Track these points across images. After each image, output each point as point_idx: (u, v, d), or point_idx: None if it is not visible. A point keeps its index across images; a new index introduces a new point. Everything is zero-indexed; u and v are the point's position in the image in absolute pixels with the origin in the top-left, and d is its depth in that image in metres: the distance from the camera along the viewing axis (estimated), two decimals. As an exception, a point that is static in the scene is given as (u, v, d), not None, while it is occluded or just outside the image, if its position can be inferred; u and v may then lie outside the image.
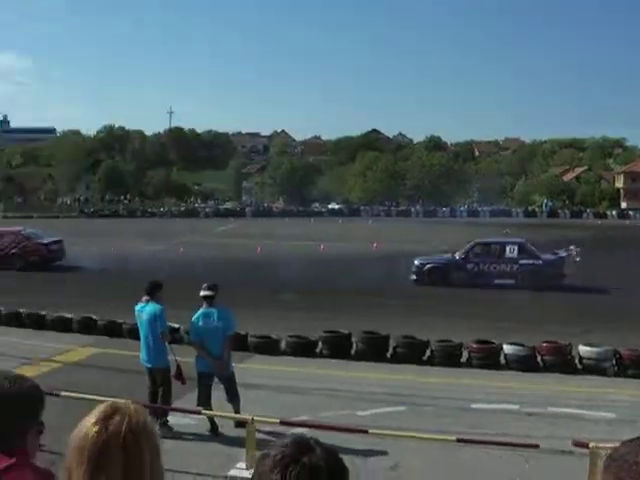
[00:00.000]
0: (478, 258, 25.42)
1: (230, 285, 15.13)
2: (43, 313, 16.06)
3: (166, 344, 9.54)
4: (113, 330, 15.11)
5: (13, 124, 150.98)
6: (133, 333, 12.29)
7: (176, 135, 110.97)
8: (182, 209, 78.22)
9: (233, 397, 9.32)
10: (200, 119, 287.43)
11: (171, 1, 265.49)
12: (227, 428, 9.22)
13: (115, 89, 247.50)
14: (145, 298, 9.53)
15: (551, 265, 24.74)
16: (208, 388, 9.32)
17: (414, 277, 25.32)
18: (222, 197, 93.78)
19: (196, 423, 9.21)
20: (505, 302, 20.91)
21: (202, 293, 9.44)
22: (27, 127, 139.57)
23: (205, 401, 9.16)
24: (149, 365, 9.47)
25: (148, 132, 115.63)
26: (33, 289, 21.78)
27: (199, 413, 8.87)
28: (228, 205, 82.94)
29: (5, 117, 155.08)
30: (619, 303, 20.18)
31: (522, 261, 24.82)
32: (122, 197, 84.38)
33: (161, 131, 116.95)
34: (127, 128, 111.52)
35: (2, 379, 2.09)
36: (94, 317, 15.60)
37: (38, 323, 15.87)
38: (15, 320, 16.10)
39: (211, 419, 9.12)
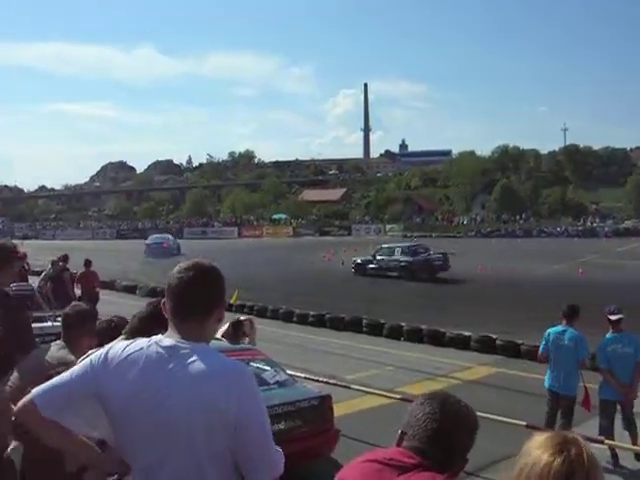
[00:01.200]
0: (380, 257, 34.55)
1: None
2: (442, 330, 16.42)
3: (580, 372, 9.07)
4: (512, 350, 14.89)
5: (411, 148, 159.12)
6: (532, 354, 11.97)
7: (571, 152, 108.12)
8: (579, 228, 75.84)
9: (630, 425, 8.62)
10: (596, 135, 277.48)
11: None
12: (628, 460, 8.53)
13: (508, 108, 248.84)
14: (564, 322, 9.17)
15: (421, 262, 32.74)
16: (611, 417, 8.69)
17: (352, 270, 34.96)
18: (621, 216, 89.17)
19: (596, 453, 8.62)
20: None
21: (610, 317, 8.84)
22: (424, 150, 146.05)
23: (607, 430, 8.56)
24: (557, 391, 9.06)
25: (543, 150, 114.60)
26: (426, 304, 22.40)
27: (602, 442, 8.27)
28: (628, 224, 78.65)
29: (403, 141, 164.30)
30: None
31: (402, 259, 33.30)
32: (518, 216, 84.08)
33: (556, 149, 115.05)
34: (521, 147, 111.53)
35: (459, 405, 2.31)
36: (493, 336, 15.53)
37: (437, 340, 16.26)
38: (416, 336, 16.67)
39: (612, 450, 8.48)
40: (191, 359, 2.40)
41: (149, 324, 3.26)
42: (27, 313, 5.28)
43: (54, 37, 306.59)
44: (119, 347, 2.49)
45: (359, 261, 35.38)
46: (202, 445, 2.34)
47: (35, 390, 2.48)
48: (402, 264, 32.93)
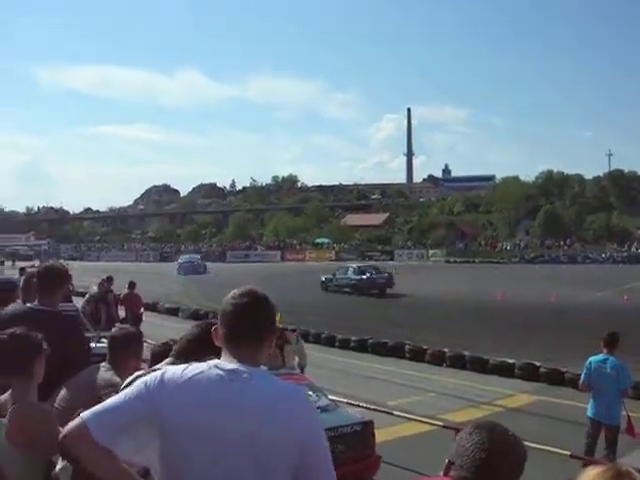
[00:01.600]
0: (338, 275, 41.21)
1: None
2: (485, 357, 16.29)
3: (622, 400, 8.95)
4: (555, 378, 14.72)
5: (454, 173, 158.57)
6: (575, 382, 11.83)
7: (616, 177, 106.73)
8: (624, 254, 74.78)
9: None
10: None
11: None
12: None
13: (552, 134, 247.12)
14: (604, 350, 9.06)
15: (366, 281, 38.68)
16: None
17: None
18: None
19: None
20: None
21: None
22: (467, 175, 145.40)
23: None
24: (600, 420, 8.94)
25: (587, 176, 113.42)
26: (471, 330, 22.23)
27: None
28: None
29: (447, 166, 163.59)
30: None
31: (352, 277, 39.74)
32: (562, 242, 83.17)
33: (601, 174, 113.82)
34: (566, 172, 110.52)
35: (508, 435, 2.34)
36: (537, 364, 15.37)
37: (480, 366, 16.13)
38: (459, 362, 16.57)
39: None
40: (253, 382, 2.43)
41: (197, 346, 3.29)
42: (82, 333, 5.34)
43: (99, 60, 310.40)
44: (176, 369, 2.49)
45: (323, 279, 42.20)
46: (267, 467, 2.35)
47: (86, 413, 2.42)
48: (352, 282, 39.46)
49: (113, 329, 10.74)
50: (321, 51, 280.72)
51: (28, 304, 4.99)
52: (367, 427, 7.61)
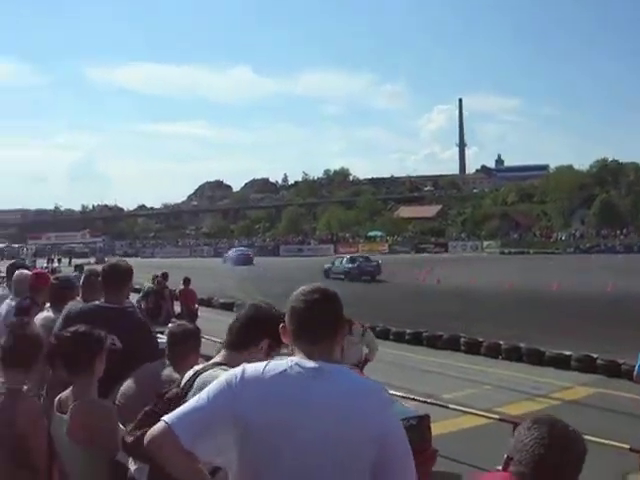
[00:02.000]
0: (337, 264, 47.35)
1: None
2: (542, 349, 16.13)
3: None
4: (613, 370, 14.52)
5: (507, 163, 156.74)
6: (632, 374, 11.67)
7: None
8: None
9: None
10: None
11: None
12: None
13: (606, 121, 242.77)
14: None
15: (357, 268, 45.36)
16: None
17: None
18: None
19: None
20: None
21: None
22: (520, 165, 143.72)
23: None
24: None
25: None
26: (525, 320, 21.99)
27: None
28: None
29: (499, 157, 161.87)
30: None
31: (345, 266, 46.30)
32: (618, 232, 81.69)
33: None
34: (621, 161, 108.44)
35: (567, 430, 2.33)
36: (594, 355, 15.18)
37: (536, 358, 15.98)
38: (514, 354, 16.43)
39: None
40: (335, 378, 2.45)
41: (246, 336, 3.30)
42: (149, 329, 5.40)
43: (149, 59, 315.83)
44: (257, 368, 2.49)
45: (325, 267, 47.75)
46: (345, 464, 2.38)
47: (170, 417, 2.41)
48: (345, 269, 45.64)
49: (170, 325, 10.91)
50: (369, 44, 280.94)
51: (96, 302, 5.04)
52: (423, 421, 7.60)
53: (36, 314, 6.07)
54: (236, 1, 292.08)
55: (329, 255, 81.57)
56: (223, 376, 2.56)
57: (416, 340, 18.95)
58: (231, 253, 70.60)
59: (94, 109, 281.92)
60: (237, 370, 2.52)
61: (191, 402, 2.50)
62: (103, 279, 5.05)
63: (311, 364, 2.46)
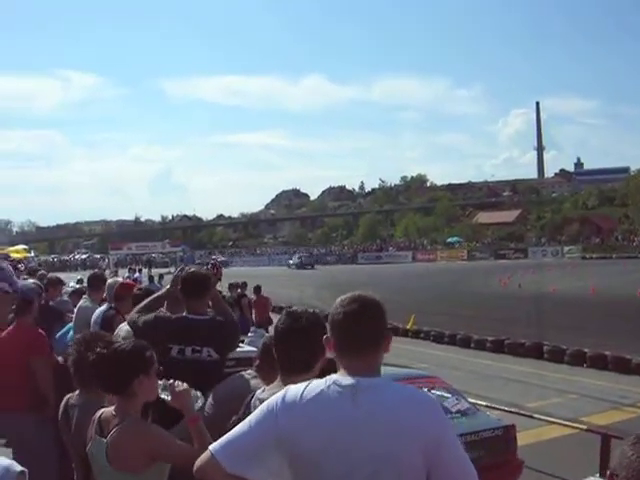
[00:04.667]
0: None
1: None
2: (628, 357, 15.71)
3: None
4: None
5: (587, 166, 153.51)
6: None
7: None
8: None
9: None
10: None
11: None
12: None
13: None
14: None
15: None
16: None
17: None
18: None
19: None
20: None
21: None
22: (601, 168, 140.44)
23: None
24: None
25: None
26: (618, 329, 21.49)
27: None
28: None
29: (579, 160, 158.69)
30: None
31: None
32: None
33: None
34: None
35: None
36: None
37: (623, 367, 15.56)
38: (600, 362, 16.03)
39: None
40: (375, 394, 2.41)
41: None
42: (238, 338, 5.47)
43: (226, 71, 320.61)
44: (297, 390, 2.47)
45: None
46: (407, 475, 2.35)
47: (214, 446, 2.48)
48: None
49: (249, 334, 10.99)
50: (443, 49, 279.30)
51: (184, 313, 5.02)
52: (509, 431, 7.47)
53: (119, 324, 6.20)
54: (310, 11, 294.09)
55: (407, 262, 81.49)
56: (267, 401, 2.56)
57: (498, 348, 18.66)
58: (294, 259, 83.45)
59: (173, 121, 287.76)
60: (280, 394, 2.51)
61: (235, 429, 2.51)
62: (183, 288, 5.01)
63: (349, 381, 2.42)
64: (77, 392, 4.30)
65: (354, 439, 2.36)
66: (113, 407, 3.56)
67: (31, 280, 9.67)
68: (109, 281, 8.44)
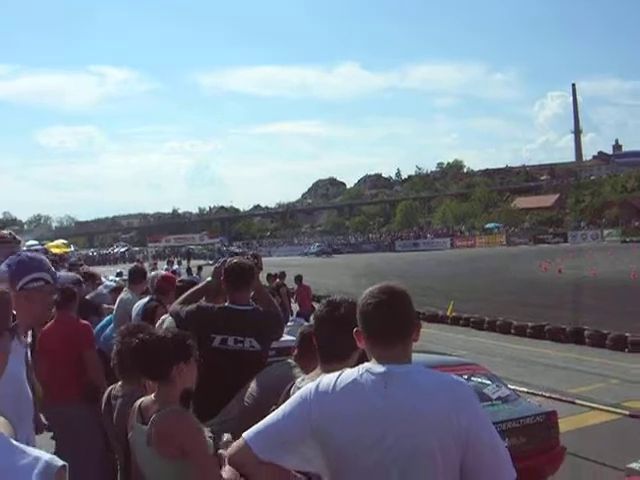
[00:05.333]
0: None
1: None
2: None
3: None
4: None
5: (626, 148, 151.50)
6: None
7: None
8: None
9: None
10: None
11: None
12: None
13: None
14: None
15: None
16: None
17: None
18: None
19: None
20: None
21: None
22: (639, 150, 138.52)
23: None
24: None
25: None
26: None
27: None
28: None
29: (617, 142, 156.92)
30: None
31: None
32: None
33: None
34: None
35: None
36: None
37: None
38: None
39: None
40: (411, 381, 2.42)
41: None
42: (282, 328, 5.51)
43: (258, 61, 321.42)
44: (330, 380, 2.49)
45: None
46: (440, 462, 2.35)
47: (248, 433, 2.51)
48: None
49: (289, 323, 11.04)
50: (478, 34, 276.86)
51: (226, 304, 5.02)
52: (550, 417, 7.41)
53: (160, 316, 6.28)
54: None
55: (445, 249, 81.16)
56: (301, 390, 2.60)
57: (538, 334, 18.51)
58: (312, 248, 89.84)
59: (208, 114, 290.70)
60: (314, 383, 2.54)
61: (269, 417, 2.55)
62: (226, 278, 4.99)
63: (381, 369, 2.44)
64: (120, 383, 4.39)
65: (387, 428, 2.37)
66: (152, 395, 3.62)
67: (71, 273, 9.84)
68: (152, 273, 8.56)
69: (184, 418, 3.46)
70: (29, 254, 4.13)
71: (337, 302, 3.25)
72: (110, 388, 4.53)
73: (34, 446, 1.66)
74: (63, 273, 6.51)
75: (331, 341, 3.15)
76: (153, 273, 8.27)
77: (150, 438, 3.41)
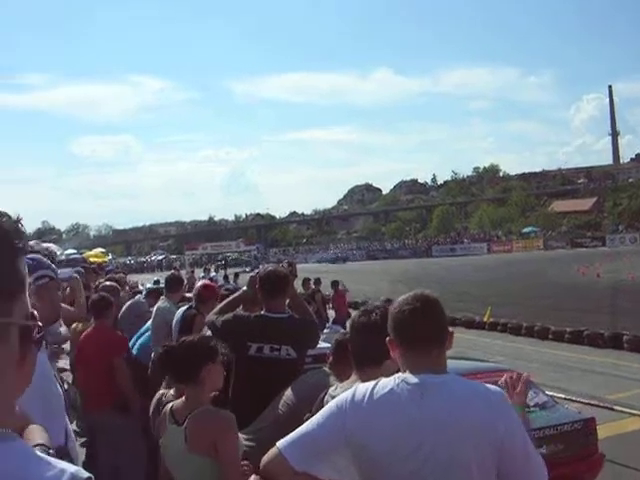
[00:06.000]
0: None
1: None
2: None
3: None
4: None
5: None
6: None
7: None
8: None
9: None
10: None
11: None
12: None
13: None
14: None
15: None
16: None
17: None
18: None
19: None
20: None
21: None
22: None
23: None
24: None
25: None
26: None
27: None
28: None
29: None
30: None
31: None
32: None
33: None
34: None
35: None
36: None
37: None
38: None
39: None
40: (447, 390, 2.43)
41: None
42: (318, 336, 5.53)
43: (291, 69, 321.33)
44: (365, 389, 2.49)
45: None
46: (475, 472, 2.36)
47: (282, 442, 2.52)
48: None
49: (325, 330, 11.05)
50: (512, 38, 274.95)
51: (262, 312, 5.04)
52: (589, 424, 7.34)
53: (199, 324, 6.33)
54: (372, 4, 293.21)
55: (482, 254, 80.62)
56: (336, 398, 2.60)
57: (576, 339, 18.32)
58: (326, 255, 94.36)
59: (242, 121, 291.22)
60: (349, 392, 2.54)
61: (304, 425, 2.56)
62: (261, 287, 5.00)
63: (417, 380, 2.44)
64: (171, 391, 4.44)
65: (423, 439, 2.38)
66: (182, 398, 3.78)
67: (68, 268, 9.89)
68: (198, 284, 8.67)
69: (218, 416, 3.59)
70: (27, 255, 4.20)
71: (371, 309, 3.29)
72: (160, 394, 4.61)
73: (74, 439, 1.70)
74: (63, 269, 6.52)
75: (364, 347, 3.18)
76: (199, 284, 8.39)
77: (187, 437, 3.53)
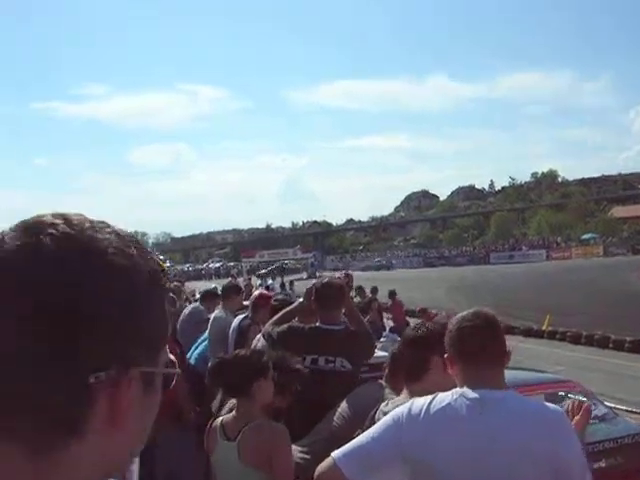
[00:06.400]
0: None
1: None
2: None
3: None
4: None
5: None
6: None
7: None
8: None
9: None
10: None
11: None
12: None
13: None
14: None
15: None
16: None
17: None
18: None
19: None
20: None
21: None
22: None
23: None
24: None
25: None
26: None
27: None
28: None
29: None
30: None
31: None
32: None
33: None
34: None
35: None
36: None
37: None
38: None
39: None
40: (505, 407, 2.42)
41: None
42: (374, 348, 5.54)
43: (346, 76, 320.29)
44: (423, 403, 2.49)
45: None
46: None
47: (337, 453, 2.51)
48: None
49: (381, 339, 11.01)
50: (567, 42, 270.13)
51: (317, 323, 5.03)
52: (650, 437, 7.20)
53: (254, 333, 6.35)
54: (427, 10, 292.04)
55: (541, 261, 79.50)
56: (392, 412, 2.60)
57: (637, 348, 17.94)
58: (370, 263, 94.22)
59: (297, 129, 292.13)
60: (405, 406, 2.54)
61: (360, 437, 2.57)
62: (317, 298, 5.01)
63: (475, 395, 2.44)
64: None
65: (481, 455, 2.37)
66: (232, 413, 3.80)
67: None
68: (255, 292, 8.74)
69: (272, 430, 3.60)
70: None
71: (420, 324, 3.36)
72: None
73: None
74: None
75: (411, 361, 3.23)
76: (256, 293, 8.48)
77: (240, 452, 3.53)
